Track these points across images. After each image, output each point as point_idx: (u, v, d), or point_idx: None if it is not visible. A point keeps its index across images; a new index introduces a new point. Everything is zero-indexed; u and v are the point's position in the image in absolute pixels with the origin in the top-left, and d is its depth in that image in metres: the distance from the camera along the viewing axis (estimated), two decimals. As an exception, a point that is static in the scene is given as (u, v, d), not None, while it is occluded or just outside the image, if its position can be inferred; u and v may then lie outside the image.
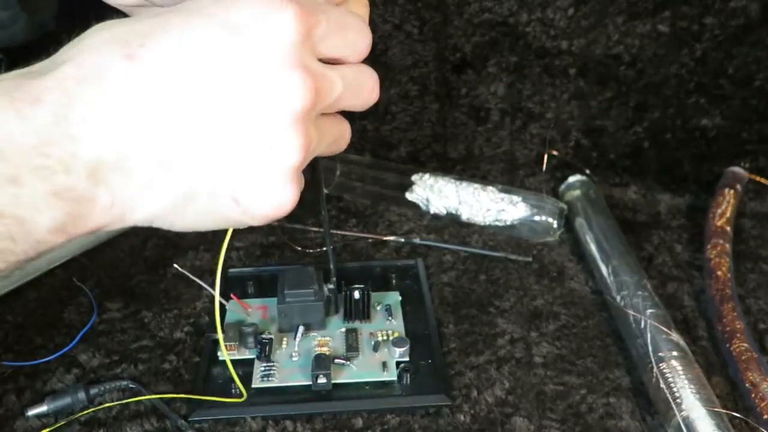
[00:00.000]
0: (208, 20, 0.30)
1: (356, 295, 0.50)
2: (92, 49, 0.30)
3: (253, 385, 0.45)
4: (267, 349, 0.46)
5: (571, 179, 0.66)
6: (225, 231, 0.36)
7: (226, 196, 0.32)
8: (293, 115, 0.31)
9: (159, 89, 0.30)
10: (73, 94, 0.28)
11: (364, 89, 0.36)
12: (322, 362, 0.44)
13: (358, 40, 0.35)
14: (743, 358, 0.46)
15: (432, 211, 0.64)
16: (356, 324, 0.50)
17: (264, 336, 0.47)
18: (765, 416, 0.42)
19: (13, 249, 0.29)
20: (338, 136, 0.36)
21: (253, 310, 0.51)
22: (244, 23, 0.30)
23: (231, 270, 0.56)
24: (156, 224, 0.32)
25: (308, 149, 0.32)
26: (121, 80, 0.29)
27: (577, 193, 0.64)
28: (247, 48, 0.30)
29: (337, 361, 0.46)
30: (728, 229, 0.59)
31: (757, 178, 0.67)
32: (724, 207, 0.61)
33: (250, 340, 0.47)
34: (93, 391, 0.44)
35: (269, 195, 0.32)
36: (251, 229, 0.59)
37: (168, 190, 0.31)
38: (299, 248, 0.59)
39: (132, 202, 0.31)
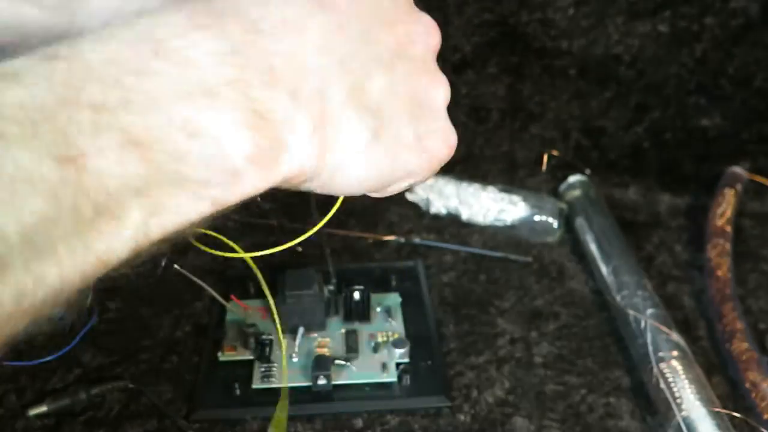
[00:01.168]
0: None
1: (356, 296, 0.50)
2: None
3: (253, 386, 0.45)
4: (267, 349, 0.46)
5: (571, 179, 0.66)
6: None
7: (409, 136, 0.32)
8: (434, 53, 0.34)
9: (352, 34, 0.29)
10: (259, 14, 0.26)
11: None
12: (322, 363, 0.44)
13: None
14: (743, 358, 0.46)
15: (432, 211, 0.64)
16: (356, 325, 0.50)
17: (264, 337, 0.47)
18: (765, 416, 0.42)
19: (206, 178, 0.25)
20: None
21: (253, 310, 0.51)
22: None
23: (231, 270, 0.56)
24: (337, 177, 0.30)
25: (448, 92, 0.34)
26: (321, 31, 0.28)
27: (577, 193, 0.64)
28: None
29: (337, 362, 0.46)
30: (728, 229, 0.59)
31: (757, 178, 0.67)
32: (724, 207, 0.61)
33: (251, 340, 0.47)
34: (93, 391, 0.44)
35: (442, 132, 0.34)
36: (251, 229, 0.59)
37: (361, 127, 0.29)
38: (299, 249, 0.59)
39: (328, 139, 0.28)
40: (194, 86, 0.24)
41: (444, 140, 0.34)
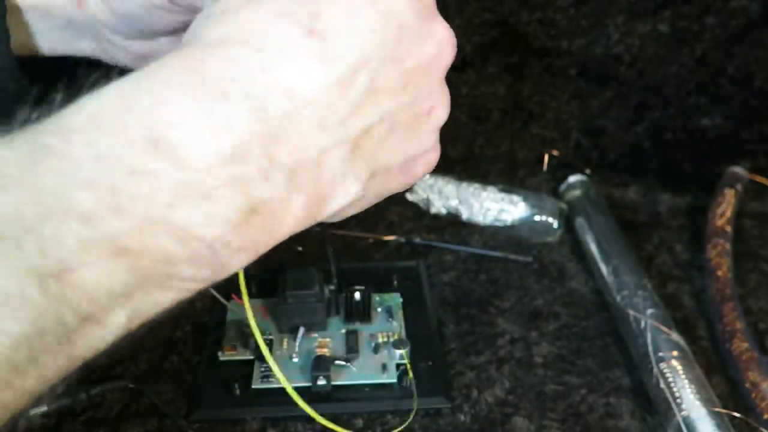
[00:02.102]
0: None
1: (357, 296, 0.50)
2: (264, 23, 0.25)
3: (253, 386, 0.45)
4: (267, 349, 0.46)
5: (572, 179, 0.66)
6: None
7: (397, 167, 0.31)
8: (444, 71, 0.31)
9: (348, 62, 0.26)
10: (262, 85, 0.24)
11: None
12: (322, 363, 0.44)
13: None
14: (743, 358, 0.46)
15: (432, 211, 0.64)
16: (357, 325, 0.50)
17: (264, 337, 0.47)
18: (765, 416, 0.42)
19: (195, 277, 0.24)
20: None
21: (254, 310, 0.51)
22: None
23: None
24: (335, 217, 0.30)
25: (448, 108, 0.32)
26: (307, 59, 0.25)
27: (577, 193, 0.64)
28: (403, 10, 0.28)
29: (337, 362, 0.46)
30: (728, 229, 0.59)
31: (757, 178, 0.67)
32: (724, 207, 0.61)
33: (251, 340, 0.47)
34: (93, 391, 0.44)
35: (431, 154, 0.33)
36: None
37: (353, 178, 0.28)
38: (300, 248, 0.59)
39: (322, 199, 0.27)
40: (191, 189, 0.23)
41: (428, 163, 0.33)
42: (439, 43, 0.30)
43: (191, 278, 0.24)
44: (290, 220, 0.26)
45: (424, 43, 0.29)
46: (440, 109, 0.31)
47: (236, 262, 0.25)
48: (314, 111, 0.25)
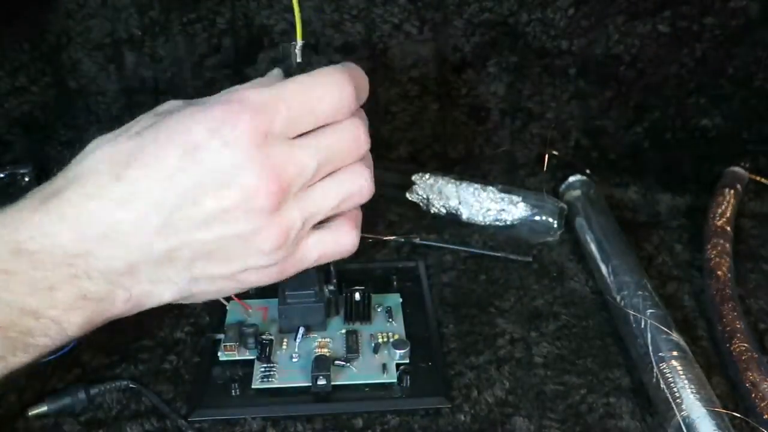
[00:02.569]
0: (172, 141, 0.35)
1: (357, 296, 0.50)
2: (91, 170, 0.36)
3: (252, 386, 0.45)
4: (267, 350, 0.46)
5: (572, 179, 0.66)
6: None
7: (223, 278, 0.38)
8: (264, 211, 0.36)
9: (147, 203, 0.35)
10: (87, 214, 0.35)
11: (349, 148, 0.39)
12: (321, 364, 0.44)
13: (332, 104, 0.37)
14: (743, 358, 0.46)
15: (432, 211, 0.64)
16: (356, 326, 0.50)
17: (264, 337, 0.47)
18: (765, 416, 0.42)
19: (47, 344, 0.35)
20: (346, 195, 0.40)
21: (254, 310, 0.51)
22: (203, 141, 0.35)
23: None
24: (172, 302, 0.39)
25: (289, 232, 0.37)
26: (116, 198, 0.35)
27: (577, 193, 0.64)
28: (209, 162, 0.35)
29: (337, 362, 0.46)
30: (728, 229, 0.59)
31: (757, 178, 0.67)
32: (724, 207, 0.61)
33: (251, 340, 0.47)
34: (93, 391, 0.44)
35: (260, 273, 0.39)
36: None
37: (172, 283, 0.37)
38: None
39: (145, 295, 0.38)
40: (42, 283, 0.34)
41: (263, 276, 0.39)
42: (245, 189, 0.35)
43: (44, 345, 0.35)
44: (119, 305, 0.37)
45: (228, 189, 0.35)
46: (267, 236, 0.36)
47: (75, 332, 0.36)
48: (122, 235, 0.35)
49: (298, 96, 0.36)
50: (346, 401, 0.44)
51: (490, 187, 0.63)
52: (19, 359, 0.35)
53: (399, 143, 0.70)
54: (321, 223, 0.40)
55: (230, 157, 0.34)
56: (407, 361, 0.47)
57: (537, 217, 0.61)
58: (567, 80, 0.66)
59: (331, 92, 0.37)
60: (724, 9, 0.62)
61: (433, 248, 0.60)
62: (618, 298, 0.51)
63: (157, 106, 0.41)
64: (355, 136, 0.38)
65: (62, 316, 0.35)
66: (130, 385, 0.45)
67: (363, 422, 0.43)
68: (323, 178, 0.38)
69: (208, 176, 0.35)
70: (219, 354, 0.47)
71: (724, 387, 0.46)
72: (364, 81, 0.39)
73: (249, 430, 0.43)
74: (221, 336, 0.48)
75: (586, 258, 0.58)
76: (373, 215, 0.65)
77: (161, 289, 0.38)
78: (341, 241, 0.41)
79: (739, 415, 0.42)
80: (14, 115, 0.68)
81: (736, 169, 0.67)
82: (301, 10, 0.41)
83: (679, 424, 0.40)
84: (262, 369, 0.46)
